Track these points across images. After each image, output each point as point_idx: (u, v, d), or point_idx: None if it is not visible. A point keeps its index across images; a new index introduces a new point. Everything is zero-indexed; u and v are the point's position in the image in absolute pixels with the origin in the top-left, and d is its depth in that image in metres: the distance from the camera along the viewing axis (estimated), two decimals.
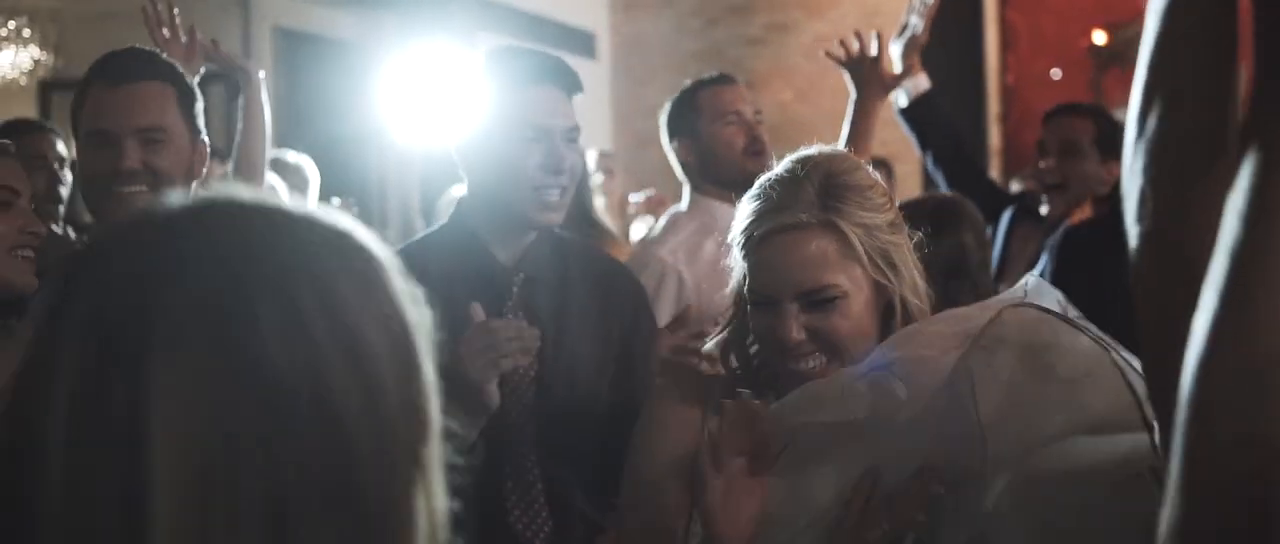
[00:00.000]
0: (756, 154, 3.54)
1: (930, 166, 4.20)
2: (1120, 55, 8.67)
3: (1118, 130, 3.96)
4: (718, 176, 3.64)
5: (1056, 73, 9.56)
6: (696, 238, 3.55)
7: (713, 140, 3.63)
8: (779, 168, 1.89)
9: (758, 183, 1.89)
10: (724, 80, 3.77)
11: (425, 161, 5.99)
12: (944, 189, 4.19)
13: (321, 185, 5.06)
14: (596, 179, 6.04)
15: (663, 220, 3.83)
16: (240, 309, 0.78)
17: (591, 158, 5.88)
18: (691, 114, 3.67)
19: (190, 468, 0.75)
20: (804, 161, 1.87)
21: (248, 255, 0.80)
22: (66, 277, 0.82)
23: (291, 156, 5.07)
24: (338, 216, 0.87)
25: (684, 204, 3.74)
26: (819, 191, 1.82)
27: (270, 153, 5.51)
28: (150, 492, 0.75)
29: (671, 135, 3.76)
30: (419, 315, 0.85)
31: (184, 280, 0.78)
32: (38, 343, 0.80)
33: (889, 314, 1.86)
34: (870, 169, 1.93)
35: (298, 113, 6.50)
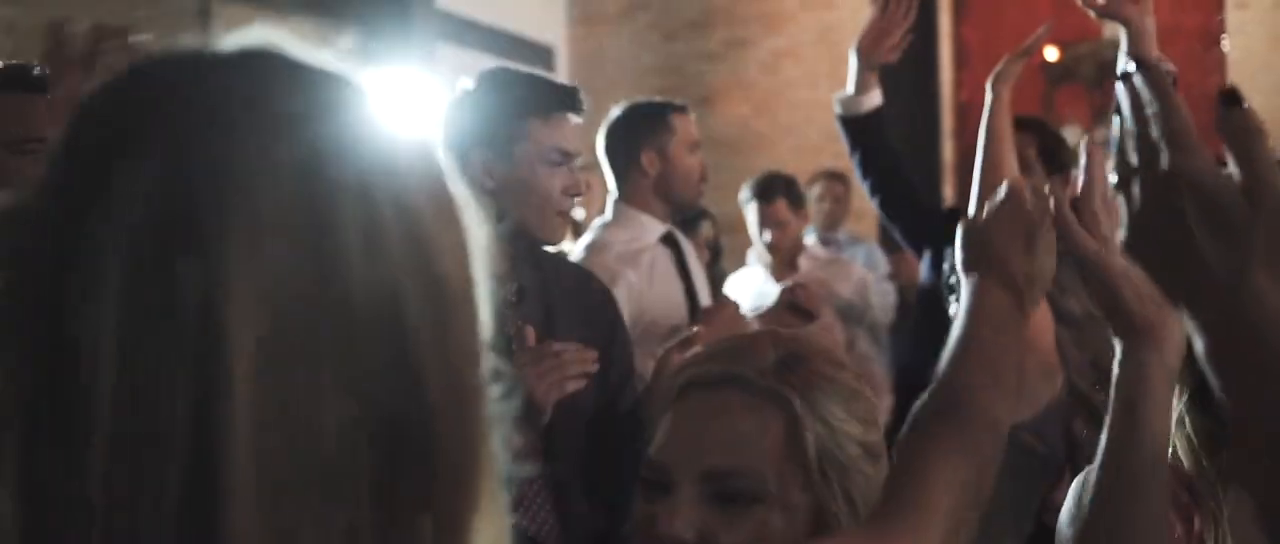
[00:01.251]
0: (702, 183, 3.87)
1: (859, 175, 4.22)
2: (1072, 72, 8.80)
3: (1061, 144, 4.02)
4: (670, 197, 3.83)
5: None
6: (632, 246, 3.69)
7: (679, 164, 3.79)
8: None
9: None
10: (688, 110, 3.98)
11: None
12: (870, 198, 4.23)
13: None
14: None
15: (593, 232, 3.89)
16: (322, 213, 0.71)
17: None
18: (665, 133, 3.79)
19: (266, 372, 0.69)
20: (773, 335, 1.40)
21: (334, 155, 0.74)
22: (114, 127, 0.72)
23: None
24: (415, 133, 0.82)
25: (609, 215, 3.83)
26: (779, 360, 1.32)
27: None
28: (221, 399, 0.67)
29: (639, 146, 3.82)
30: (481, 246, 0.80)
31: (265, 170, 0.71)
32: (65, 188, 0.70)
33: None
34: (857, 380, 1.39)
35: None
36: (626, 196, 3.82)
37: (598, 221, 3.91)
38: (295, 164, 0.72)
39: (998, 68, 3.33)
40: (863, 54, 3.91)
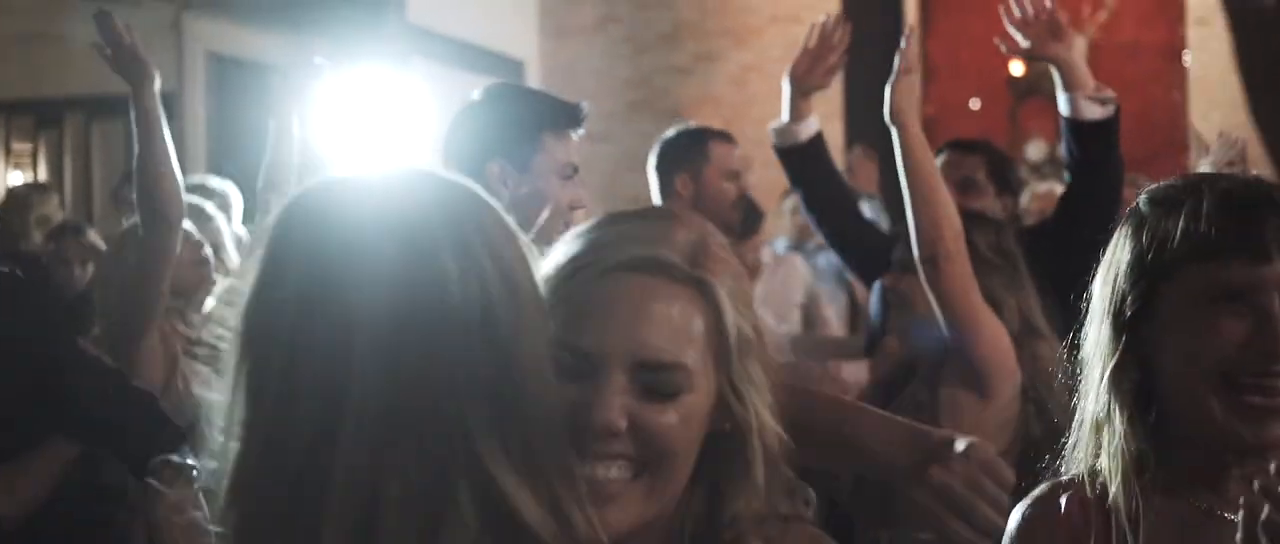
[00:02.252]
0: (740, 205, 4.02)
1: (804, 210, 4.14)
2: (1037, 87, 8.91)
3: (1008, 165, 4.04)
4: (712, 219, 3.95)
5: (975, 103, 9.79)
6: None
7: (712, 188, 3.98)
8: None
9: (611, 214, 1.41)
10: (730, 139, 4.04)
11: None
12: (816, 230, 4.22)
13: (252, 210, 5.09)
14: None
15: None
16: (428, 253, 1.04)
17: None
18: (700, 159, 3.93)
19: (387, 374, 1.01)
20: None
21: (430, 209, 1.07)
22: (282, 221, 1.08)
23: (215, 182, 5.08)
24: (465, 182, 1.13)
25: None
26: (694, 245, 1.33)
27: (197, 178, 5.51)
28: (348, 393, 1.01)
29: (674, 169, 4.05)
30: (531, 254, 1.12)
31: (381, 229, 1.05)
32: (264, 274, 1.06)
33: (713, 447, 1.33)
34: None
35: (230, 137, 6.50)
36: None
37: None
38: (403, 220, 1.07)
39: (890, 100, 3.14)
40: (796, 81, 3.80)
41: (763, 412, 1.31)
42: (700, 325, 1.29)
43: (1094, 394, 1.52)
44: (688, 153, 4.06)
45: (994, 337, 2.90)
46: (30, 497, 2.62)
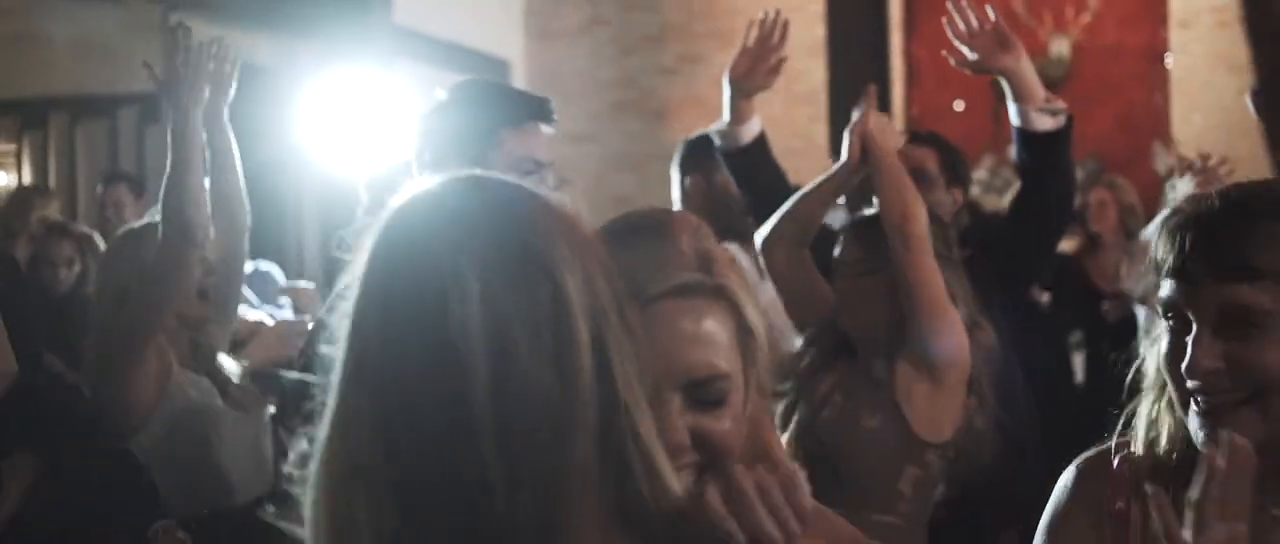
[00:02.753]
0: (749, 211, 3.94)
1: (749, 203, 4.08)
2: None
3: (959, 157, 4.02)
4: (714, 219, 3.99)
5: (959, 105, 9.84)
6: None
7: (723, 190, 4.03)
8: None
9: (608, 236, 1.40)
10: None
11: (344, 186, 6.06)
12: None
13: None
14: None
15: None
16: (547, 244, 1.14)
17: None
18: (712, 161, 3.99)
19: (531, 338, 1.10)
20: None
21: (543, 220, 1.16)
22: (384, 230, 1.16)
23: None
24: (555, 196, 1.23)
25: None
26: (700, 254, 1.41)
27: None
28: (516, 351, 1.10)
29: (687, 170, 4.19)
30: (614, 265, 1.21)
31: (508, 226, 1.14)
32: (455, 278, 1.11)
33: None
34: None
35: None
36: None
37: None
38: (526, 229, 1.15)
39: (859, 123, 3.17)
40: (736, 82, 3.74)
41: (767, 389, 1.44)
42: (730, 329, 1.38)
43: (1153, 371, 1.60)
44: (700, 155, 4.12)
45: (954, 325, 3.00)
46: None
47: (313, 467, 1.14)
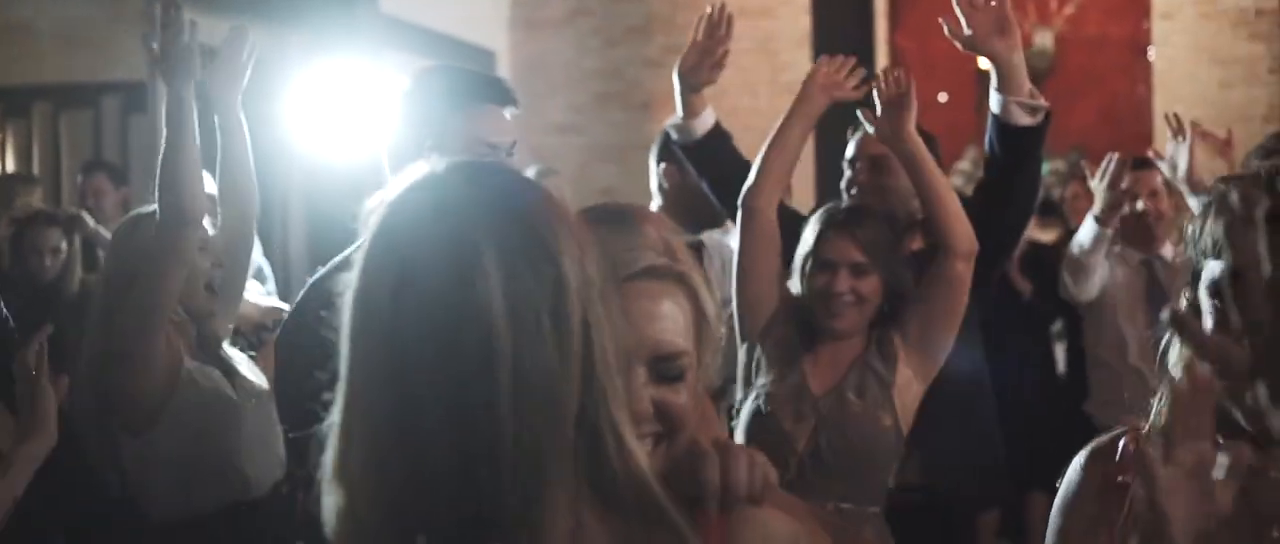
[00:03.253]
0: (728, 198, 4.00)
1: (712, 195, 4.03)
2: None
3: (929, 142, 4.01)
4: (689, 206, 4.14)
5: (944, 96, 9.88)
6: None
7: (695, 181, 4.01)
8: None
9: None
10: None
11: (331, 176, 6.05)
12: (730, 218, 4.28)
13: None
14: None
15: None
16: (550, 229, 1.21)
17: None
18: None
19: (528, 307, 1.17)
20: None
21: (543, 206, 1.24)
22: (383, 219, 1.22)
23: None
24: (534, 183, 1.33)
25: None
26: (666, 243, 1.55)
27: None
28: (497, 327, 1.16)
29: (661, 159, 4.25)
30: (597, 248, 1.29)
31: (515, 211, 1.22)
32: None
33: None
34: None
35: (204, 129, 6.47)
36: (660, 204, 4.19)
37: None
38: (531, 209, 1.23)
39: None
40: (684, 76, 3.74)
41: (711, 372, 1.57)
42: (689, 312, 1.51)
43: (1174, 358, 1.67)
44: (671, 144, 4.13)
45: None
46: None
47: (331, 442, 1.21)
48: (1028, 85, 3.37)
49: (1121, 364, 4.75)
